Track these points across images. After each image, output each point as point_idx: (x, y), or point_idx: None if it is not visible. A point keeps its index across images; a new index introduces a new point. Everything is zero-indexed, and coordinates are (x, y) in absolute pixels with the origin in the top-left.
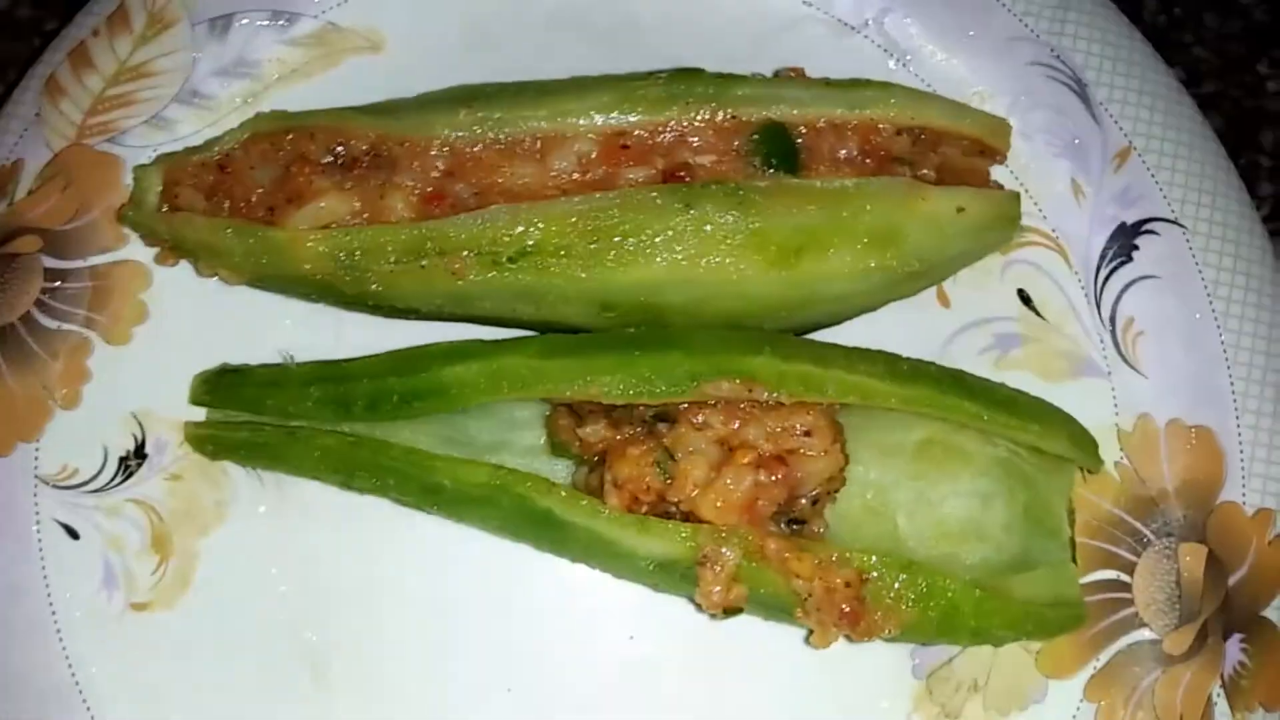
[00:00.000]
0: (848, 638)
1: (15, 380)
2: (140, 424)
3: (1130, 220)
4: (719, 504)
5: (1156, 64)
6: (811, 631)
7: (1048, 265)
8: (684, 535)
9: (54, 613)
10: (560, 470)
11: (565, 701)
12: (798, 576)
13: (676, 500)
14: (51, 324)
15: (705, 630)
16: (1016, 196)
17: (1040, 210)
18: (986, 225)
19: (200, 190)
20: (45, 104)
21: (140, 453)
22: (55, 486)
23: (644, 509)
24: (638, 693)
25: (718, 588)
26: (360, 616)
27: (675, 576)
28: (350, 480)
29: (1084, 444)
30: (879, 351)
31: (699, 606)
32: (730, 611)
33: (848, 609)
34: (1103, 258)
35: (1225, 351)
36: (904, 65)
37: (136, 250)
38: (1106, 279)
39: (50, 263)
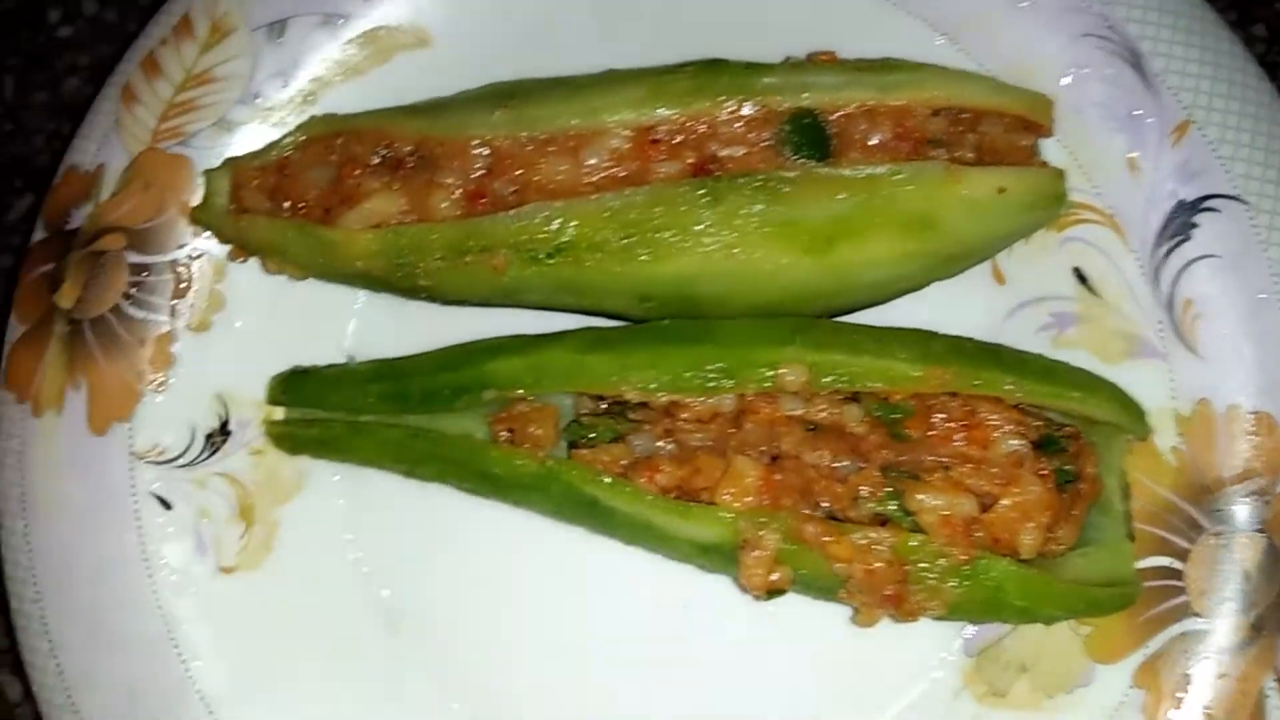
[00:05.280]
0: (893, 617)
1: (109, 366)
2: (224, 404)
3: (1189, 197)
4: (730, 491)
5: (1219, 31)
6: (857, 610)
7: (1103, 243)
8: (726, 519)
9: (150, 577)
10: None
11: (621, 667)
12: (837, 560)
13: (701, 488)
14: (139, 314)
15: (756, 602)
16: (1060, 174)
17: (1095, 187)
18: (1030, 205)
19: (264, 192)
20: (122, 111)
21: (224, 430)
22: (149, 462)
23: (673, 494)
24: (690, 661)
25: (759, 571)
26: (428, 573)
27: (719, 559)
28: (413, 470)
29: (1129, 409)
30: (914, 331)
31: (742, 589)
32: (774, 593)
33: (890, 591)
34: (1160, 236)
35: None
36: (950, 40)
37: (212, 244)
38: (1164, 258)
39: (135, 258)
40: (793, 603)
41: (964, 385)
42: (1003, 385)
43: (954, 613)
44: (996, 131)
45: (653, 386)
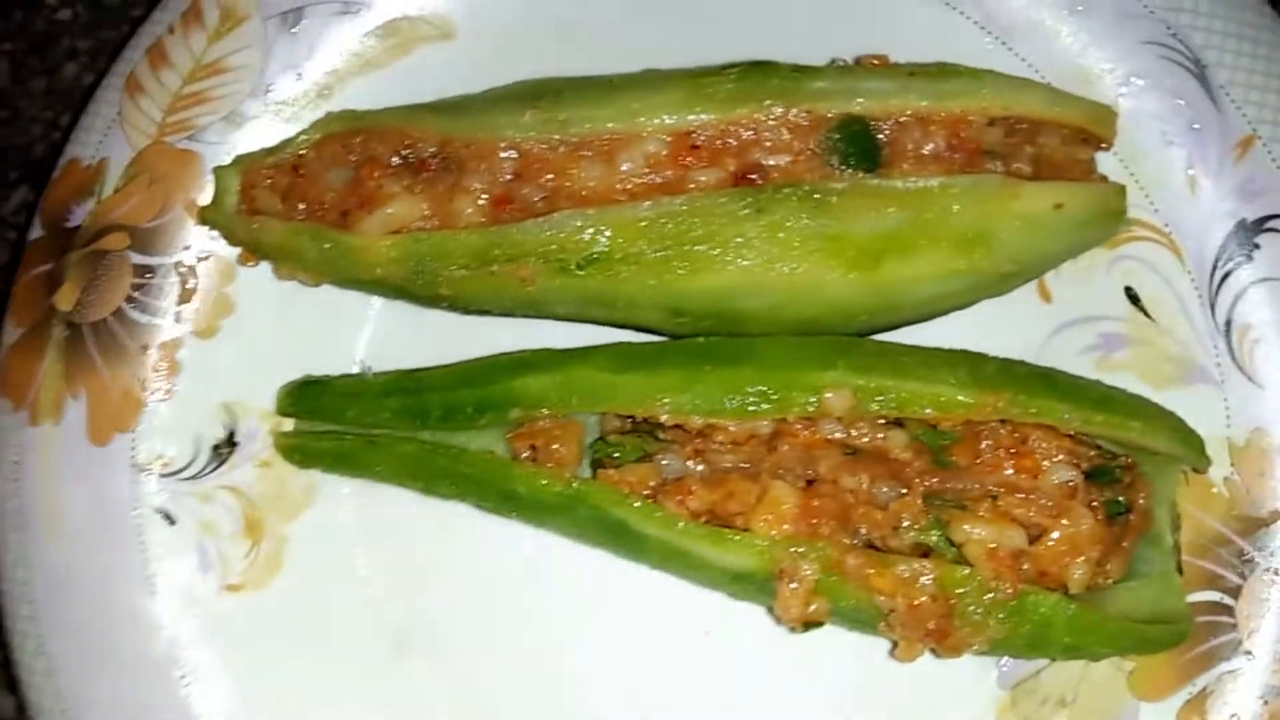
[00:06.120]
0: (933, 652)
1: (110, 374)
2: (231, 414)
3: (1251, 216)
4: (767, 518)
5: None
6: (896, 644)
7: (1158, 262)
8: (761, 547)
9: (152, 595)
10: None
11: (642, 696)
12: (880, 593)
13: (734, 513)
14: (142, 318)
15: (781, 630)
16: (1121, 189)
17: (1151, 202)
18: (1087, 222)
19: (276, 192)
20: (126, 102)
21: (231, 441)
22: (152, 475)
23: (703, 518)
24: (713, 691)
25: (796, 602)
26: (440, 594)
27: (752, 588)
28: (429, 487)
29: (1189, 441)
30: (963, 353)
31: (777, 620)
32: (809, 625)
33: (934, 625)
34: (1219, 257)
35: None
36: (1003, 44)
37: (219, 245)
38: (1223, 280)
39: (138, 259)
40: (819, 632)
41: (1018, 413)
42: (1060, 414)
43: (997, 648)
44: (1054, 143)
45: (689, 409)
